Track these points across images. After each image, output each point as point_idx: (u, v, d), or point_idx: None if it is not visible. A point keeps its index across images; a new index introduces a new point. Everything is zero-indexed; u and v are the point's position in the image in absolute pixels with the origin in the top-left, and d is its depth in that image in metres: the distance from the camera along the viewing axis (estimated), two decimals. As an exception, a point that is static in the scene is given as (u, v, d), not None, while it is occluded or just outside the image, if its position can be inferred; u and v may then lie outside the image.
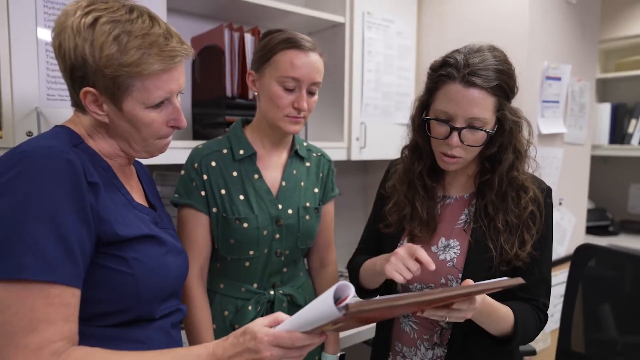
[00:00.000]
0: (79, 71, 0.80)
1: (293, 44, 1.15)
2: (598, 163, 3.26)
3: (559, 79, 2.06)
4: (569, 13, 2.12)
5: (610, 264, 1.61)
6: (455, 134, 1.02)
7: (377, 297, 0.65)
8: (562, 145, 2.17)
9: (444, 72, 1.03)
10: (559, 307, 1.70)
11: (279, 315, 0.76)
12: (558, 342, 1.64)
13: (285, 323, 0.73)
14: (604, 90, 3.37)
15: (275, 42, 1.16)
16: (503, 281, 0.87)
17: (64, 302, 0.71)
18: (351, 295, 0.68)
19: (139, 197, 0.94)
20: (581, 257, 1.62)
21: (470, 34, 2.06)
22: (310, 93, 1.20)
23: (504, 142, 1.07)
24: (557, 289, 2.16)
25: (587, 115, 2.33)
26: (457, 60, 1.02)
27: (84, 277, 0.76)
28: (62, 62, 0.81)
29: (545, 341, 2.14)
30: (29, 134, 1.23)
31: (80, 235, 0.74)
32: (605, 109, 3.11)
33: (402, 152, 1.23)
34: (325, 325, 0.68)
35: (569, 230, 2.27)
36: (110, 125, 0.85)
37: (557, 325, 1.69)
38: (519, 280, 0.88)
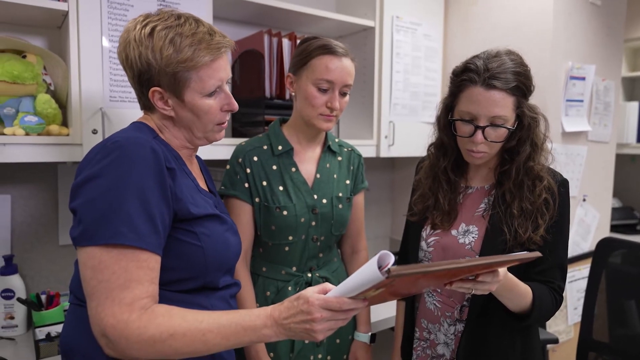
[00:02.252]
0: (146, 74, 0.94)
1: (328, 50, 1.27)
2: (626, 161, 3.25)
3: (583, 78, 2.10)
4: (594, 14, 2.14)
5: (633, 259, 1.64)
6: (479, 132, 1.12)
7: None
8: (586, 143, 2.21)
9: (466, 77, 1.12)
10: (583, 301, 1.74)
11: (327, 285, 0.86)
12: (580, 331, 1.69)
13: (332, 291, 0.83)
14: (632, 88, 3.35)
15: (312, 48, 1.28)
16: (522, 254, 0.95)
17: (149, 266, 0.84)
18: (391, 262, 0.76)
19: (201, 183, 1.08)
20: (603, 250, 1.66)
21: (495, 36, 2.09)
22: (342, 94, 1.31)
23: (523, 136, 1.16)
24: (582, 283, 2.20)
25: (612, 114, 2.36)
26: (478, 66, 1.11)
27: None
28: (130, 70, 0.96)
29: (569, 333, 2.19)
30: (94, 131, 1.38)
31: (162, 211, 0.87)
32: (634, 107, 3.11)
33: (428, 149, 1.32)
34: (368, 290, 0.77)
35: (593, 226, 2.31)
36: (175, 117, 0.99)
37: (581, 318, 1.73)
38: (537, 254, 0.95)
